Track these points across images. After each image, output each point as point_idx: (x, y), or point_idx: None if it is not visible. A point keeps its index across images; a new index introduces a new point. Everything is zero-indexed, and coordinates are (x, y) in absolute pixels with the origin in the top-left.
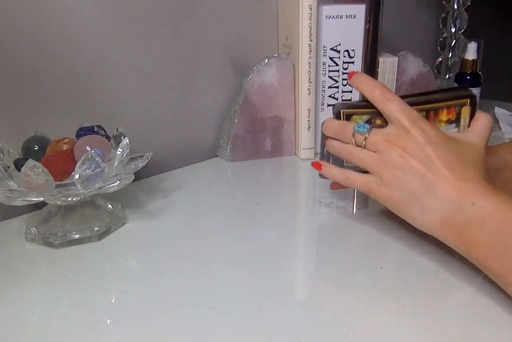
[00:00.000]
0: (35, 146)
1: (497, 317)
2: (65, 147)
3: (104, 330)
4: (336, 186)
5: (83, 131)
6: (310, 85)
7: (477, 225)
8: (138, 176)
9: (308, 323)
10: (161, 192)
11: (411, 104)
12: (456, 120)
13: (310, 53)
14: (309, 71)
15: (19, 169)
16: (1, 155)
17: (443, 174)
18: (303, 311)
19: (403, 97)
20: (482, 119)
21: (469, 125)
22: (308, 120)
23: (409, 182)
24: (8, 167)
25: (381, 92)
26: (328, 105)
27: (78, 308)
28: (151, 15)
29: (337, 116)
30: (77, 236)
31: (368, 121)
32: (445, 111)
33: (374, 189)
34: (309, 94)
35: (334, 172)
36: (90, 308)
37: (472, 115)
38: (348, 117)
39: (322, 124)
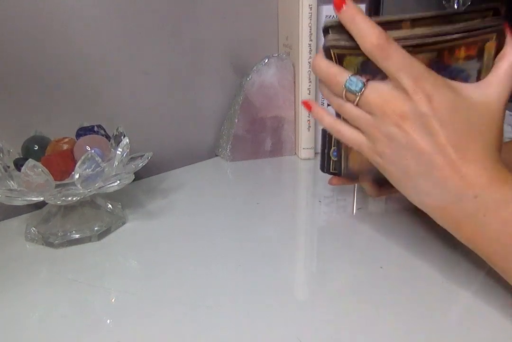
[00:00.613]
0: (35, 146)
1: (496, 317)
2: (65, 147)
3: (104, 330)
4: (334, 180)
5: (83, 131)
6: (310, 85)
7: (479, 221)
8: (138, 175)
9: (308, 323)
10: (161, 192)
11: (417, 45)
12: (478, 56)
13: (310, 53)
14: (309, 71)
15: (19, 169)
16: (1, 155)
17: (445, 154)
18: (303, 311)
19: (404, 22)
20: (508, 60)
21: (493, 64)
22: (308, 120)
23: (403, 157)
24: (8, 167)
25: (378, 43)
26: (328, 105)
27: (78, 308)
28: (151, 15)
29: (327, 53)
30: (77, 236)
31: (363, 64)
32: (463, 49)
33: (366, 152)
34: (309, 94)
35: (325, 119)
36: (90, 308)
37: (499, 49)
38: (340, 58)
39: (311, 64)
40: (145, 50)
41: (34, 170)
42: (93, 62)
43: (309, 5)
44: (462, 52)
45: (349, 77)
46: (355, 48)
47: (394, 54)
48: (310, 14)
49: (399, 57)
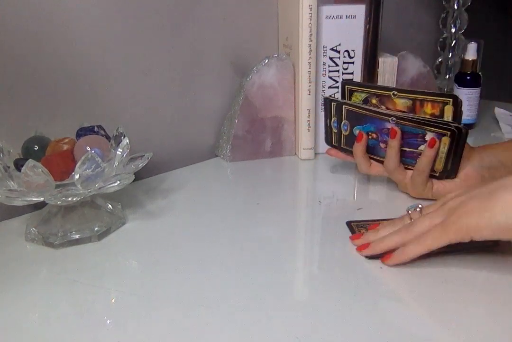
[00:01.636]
0: (35, 146)
1: (498, 315)
2: (65, 147)
3: (104, 330)
4: (333, 152)
5: (83, 131)
6: (310, 86)
7: None
8: (138, 176)
9: (308, 323)
10: (161, 192)
11: (400, 91)
12: (440, 117)
13: (310, 54)
14: (309, 71)
15: (19, 170)
16: (1, 155)
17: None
18: (303, 311)
19: (392, 89)
20: None
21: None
22: (308, 121)
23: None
24: (8, 167)
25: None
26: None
27: (78, 308)
28: (151, 16)
29: (342, 89)
30: (77, 236)
31: (365, 100)
32: (429, 104)
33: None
34: (309, 94)
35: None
36: (90, 308)
37: (455, 116)
38: (350, 93)
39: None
40: (145, 50)
41: (34, 170)
42: (93, 62)
43: (309, 6)
44: (429, 108)
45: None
46: (362, 86)
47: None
48: (310, 15)
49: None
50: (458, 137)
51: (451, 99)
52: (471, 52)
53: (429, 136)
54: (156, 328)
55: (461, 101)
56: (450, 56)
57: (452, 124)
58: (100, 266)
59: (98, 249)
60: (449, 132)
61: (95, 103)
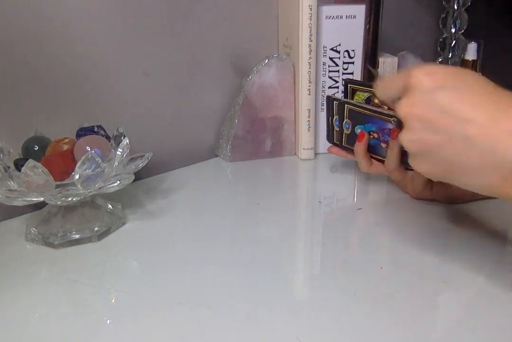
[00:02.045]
0: (35, 146)
1: (498, 317)
2: (65, 147)
3: (104, 330)
4: (334, 150)
5: (83, 131)
6: (310, 86)
7: None
8: (138, 176)
9: (308, 323)
10: (161, 192)
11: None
12: None
13: (310, 54)
14: (309, 71)
15: (19, 170)
16: (1, 155)
17: (475, 120)
18: (303, 311)
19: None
20: None
21: None
22: (308, 121)
23: (437, 145)
24: (8, 167)
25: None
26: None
27: (78, 308)
28: (151, 16)
29: (345, 88)
30: (77, 236)
31: (367, 99)
32: None
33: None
34: (309, 94)
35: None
36: (90, 308)
37: None
38: (353, 92)
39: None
40: (145, 50)
41: (34, 170)
42: (93, 62)
43: (309, 6)
44: None
45: None
46: (365, 85)
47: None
48: (310, 15)
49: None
50: None
51: None
52: (471, 52)
53: None
54: (156, 328)
55: None
56: (450, 56)
57: None
58: (100, 266)
59: (98, 249)
60: None
61: (95, 103)
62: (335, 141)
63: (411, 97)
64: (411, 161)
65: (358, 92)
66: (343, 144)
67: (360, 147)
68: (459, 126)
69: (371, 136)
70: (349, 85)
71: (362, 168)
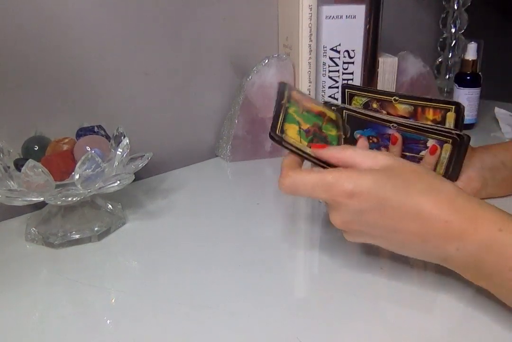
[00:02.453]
0: (35, 146)
1: (493, 322)
2: (65, 147)
3: (104, 330)
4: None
5: (83, 131)
6: (310, 85)
7: (473, 267)
8: (138, 176)
9: (308, 323)
10: (161, 192)
11: (402, 96)
12: (441, 123)
13: (310, 54)
14: (309, 71)
15: (19, 170)
16: (1, 155)
17: (404, 231)
18: (303, 311)
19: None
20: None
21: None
22: None
23: (379, 243)
24: (8, 167)
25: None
26: None
27: (78, 308)
28: (151, 16)
29: (343, 93)
30: (77, 236)
31: (366, 104)
32: (431, 110)
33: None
34: (309, 94)
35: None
36: (90, 308)
37: (456, 123)
38: (351, 97)
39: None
40: (145, 50)
41: (34, 170)
42: (93, 62)
43: (309, 6)
44: (430, 114)
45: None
46: (363, 90)
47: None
48: (310, 15)
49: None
50: (460, 144)
51: (453, 106)
52: (471, 52)
53: (430, 143)
54: (156, 328)
55: (463, 108)
56: (450, 56)
57: (453, 131)
58: (100, 266)
59: (98, 249)
60: (450, 140)
61: (95, 103)
62: None
63: (342, 217)
64: (348, 238)
65: (356, 97)
66: None
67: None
68: (392, 235)
69: (370, 141)
70: (346, 90)
71: None
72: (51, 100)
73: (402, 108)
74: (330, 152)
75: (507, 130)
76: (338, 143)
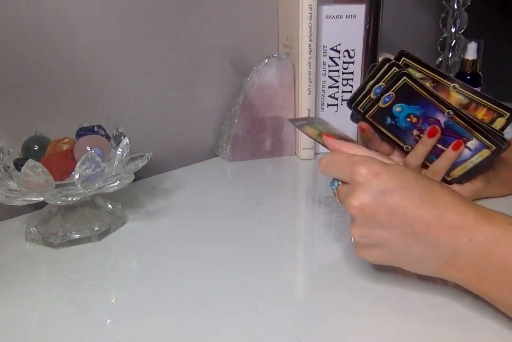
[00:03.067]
0: (35, 146)
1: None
2: (65, 147)
3: (104, 330)
4: (363, 125)
5: (83, 131)
6: (310, 85)
7: (482, 262)
8: (138, 176)
9: (308, 323)
10: (161, 192)
11: (462, 86)
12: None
13: (310, 53)
14: (309, 71)
15: (19, 169)
16: (1, 155)
17: (420, 217)
18: (303, 311)
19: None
20: None
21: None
22: None
23: (388, 240)
24: (8, 167)
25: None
26: (328, 105)
27: (78, 308)
28: (152, 16)
29: (397, 59)
30: (77, 236)
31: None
32: (485, 110)
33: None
34: (309, 94)
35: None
36: (90, 308)
37: (502, 130)
38: (405, 66)
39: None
40: (145, 50)
41: (34, 170)
42: (93, 62)
43: (309, 5)
44: (482, 113)
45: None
46: (421, 65)
47: (326, 160)
48: (310, 14)
49: (328, 157)
50: (498, 153)
51: (508, 114)
52: (471, 52)
53: (473, 142)
54: (156, 328)
55: None
56: (450, 56)
57: (505, 140)
58: (100, 266)
59: (98, 249)
60: (494, 147)
61: (95, 103)
62: (358, 108)
63: (361, 197)
64: (359, 252)
65: (410, 70)
66: (367, 116)
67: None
68: (408, 224)
69: (408, 119)
70: (403, 58)
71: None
72: (51, 100)
73: (457, 98)
74: (348, 145)
75: (507, 130)
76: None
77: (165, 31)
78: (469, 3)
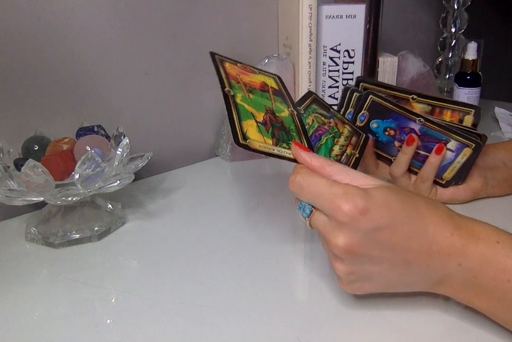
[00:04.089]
0: (35, 146)
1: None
2: (65, 147)
3: (104, 330)
4: None
5: (83, 131)
6: (310, 85)
7: (473, 283)
8: (138, 175)
9: (308, 323)
10: (161, 192)
11: (420, 95)
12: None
13: (310, 53)
14: (309, 71)
15: (19, 169)
16: (1, 155)
17: (407, 247)
18: (303, 311)
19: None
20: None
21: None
22: None
23: (378, 272)
24: (8, 167)
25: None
26: None
27: (78, 308)
28: (151, 16)
29: (356, 86)
30: (77, 236)
31: None
32: (449, 112)
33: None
34: None
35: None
36: (90, 308)
37: (474, 125)
38: (365, 90)
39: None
40: (145, 51)
41: (34, 170)
42: (93, 62)
43: (309, 5)
44: (448, 115)
45: (299, 203)
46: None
47: (303, 187)
48: (310, 14)
49: (309, 186)
50: (479, 149)
51: (473, 110)
52: (471, 52)
53: (452, 144)
54: (156, 328)
55: (480, 111)
56: (450, 56)
57: (481, 136)
58: (100, 266)
59: (98, 249)
60: (474, 145)
61: (95, 103)
62: None
63: (348, 238)
64: (346, 287)
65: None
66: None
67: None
68: (398, 256)
69: (387, 133)
70: (361, 84)
71: (367, 171)
72: (51, 100)
73: (419, 107)
74: (320, 160)
75: (507, 130)
76: (294, 123)
77: (165, 31)
78: (469, 3)
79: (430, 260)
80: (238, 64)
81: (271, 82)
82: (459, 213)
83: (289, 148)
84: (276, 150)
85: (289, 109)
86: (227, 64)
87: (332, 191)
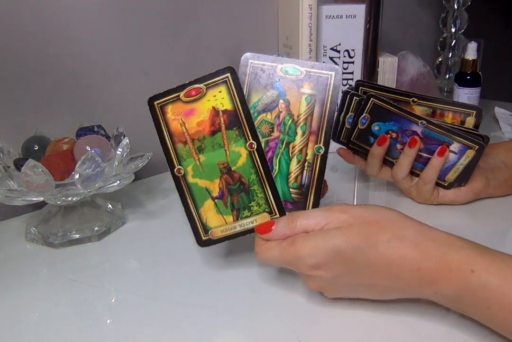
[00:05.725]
0: (35, 146)
1: None
2: (65, 147)
3: (104, 330)
4: (342, 151)
5: (83, 131)
6: None
7: (453, 306)
8: (138, 175)
9: (308, 323)
10: (160, 192)
11: (421, 98)
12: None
13: (310, 53)
14: None
15: (19, 169)
16: (1, 155)
17: (379, 284)
18: (303, 311)
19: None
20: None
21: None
22: None
23: (356, 291)
24: (8, 167)
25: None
26: None
27: (78, 308)
28: (152, 15)
29: (356, 90)
30: (77, 236)
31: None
32: (451, 114)
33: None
34: None
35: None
36: (90, 308)
37: (475, 128)
38: (364, 94)
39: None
40: (145, 50)
41: (34, 170)
42: (93, 62)
43: (309, 5)
44: (449, 118)
45: None
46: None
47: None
48: (310, 14)
49: (266, 255)
50: (482, 151)
51: (474, 111)
52: (471, 52)
53: (455, 146)
54: (156, 327)
55: (482, 112)
56: (450, 56)
57: (484, 138)
58: (100, 266)
59: (98, 249)
60: (477, 146)
61: (95, 103)
62: (341, 139)
63: (315, 284)
64: (328, 296)
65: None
66: (352, 139)
67: (378, 150)
68: (369, 290)
69: (388, 135)
70: (360, 87)
71: (370, 172)
72: (51, 100)
73: (420, 110)
74: (280, 232)
75: (507, 130)
76: (254, 167)
77: (165, 31)
78: (469, 3)
79: (402, 291)
80: (181, 94)
81: (223, 102)
82: (434, 230)
83: (251, 215)
84: (238, 226)
85: (247, 144)
86: (169, 109)
87: (284, 259)
